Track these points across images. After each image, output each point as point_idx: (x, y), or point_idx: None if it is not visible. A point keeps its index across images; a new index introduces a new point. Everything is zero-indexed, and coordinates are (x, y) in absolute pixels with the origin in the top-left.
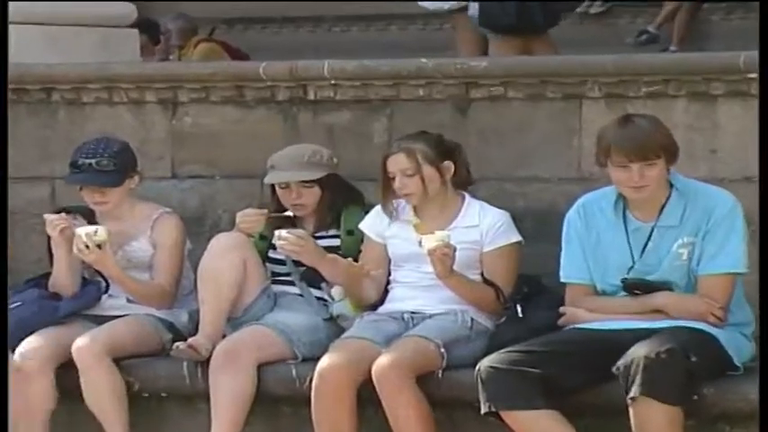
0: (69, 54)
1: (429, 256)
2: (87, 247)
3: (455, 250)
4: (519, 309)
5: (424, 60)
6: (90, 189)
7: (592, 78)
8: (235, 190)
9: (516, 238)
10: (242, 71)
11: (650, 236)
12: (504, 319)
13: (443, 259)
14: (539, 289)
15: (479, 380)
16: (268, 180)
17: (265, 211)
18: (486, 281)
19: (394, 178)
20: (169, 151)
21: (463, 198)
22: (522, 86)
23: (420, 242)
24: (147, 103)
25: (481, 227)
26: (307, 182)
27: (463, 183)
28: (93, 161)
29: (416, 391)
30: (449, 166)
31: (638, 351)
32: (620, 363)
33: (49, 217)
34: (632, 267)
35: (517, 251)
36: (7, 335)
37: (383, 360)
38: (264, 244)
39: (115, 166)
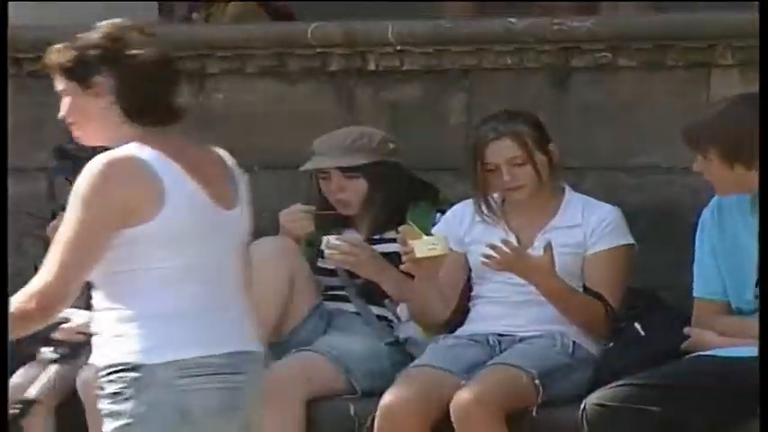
0: (70, 15)
1: (415, 266)
2: None
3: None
4: (638, 327)
5: (512, 20)
6: None
7: (723, 41)
8: (277, 184)
9: (628, 239)
10: (285, 35)
11: None
12: (612, 344)
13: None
14: (654, 305)
15: (584, 420)
16: (303, 167)
17: (313, 207)
18: (588, 291)
19: (493, 170)
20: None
21: (563, 191)
22: (636, 52)
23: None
24: None
25: (584, 226)
26: (349, 172)
27: (557, 175)
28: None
29: None
30: (554, 149)
31: None
32: None
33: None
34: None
35: (628, 256)
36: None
37: (465, 395)
38: (312, 251)
39: None
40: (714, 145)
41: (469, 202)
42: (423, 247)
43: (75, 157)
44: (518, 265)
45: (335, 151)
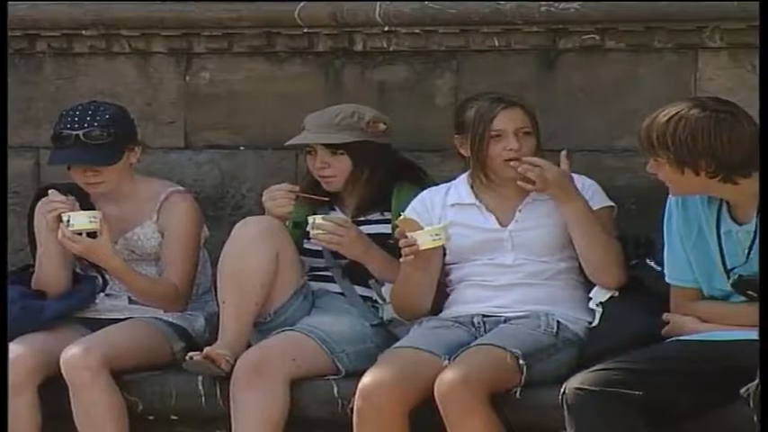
0: None
1: (416, 258)
2: (80, 234)
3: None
4: (654, 264)
5: (499, 2)
6: (80, 168)
7: (711, 24)
8: (263, 163)
9: (609, 202)
10: (273, 15)
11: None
12: (596, 323)
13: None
14: (637, 287)
15: (565, 404)
16: (289, 142)
17: (296, 188)
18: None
19: (495, 137)
20: (182, 115)
21: None
22: (624, 34)
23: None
24: (154, 54)
25: None
26: (334, 148)
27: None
28: (80, 132)
29: (491, 414)
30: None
31: None
32: (752, 384)
33: (53, 197)
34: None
35: (611, 216)
36: (7, 335)
37: (449, 375)
38: (299, 232)
39: (109, 137)
40: (665, 152)
41: (437, 188)
42: (427, 238)
43: (73, 145)
44: (553, 177)
45: (323, 128)
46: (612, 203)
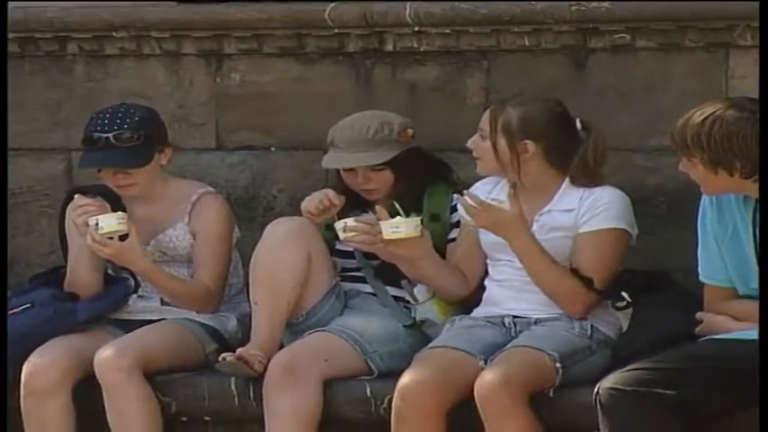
0: None
1: (387, 248)
2: (111, 238)
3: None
4: (626, 295)
5: (531, 1)
6: (110, 170)
7: (742, 22)
8: (294, 164)
9: (619, 224)
10: (303, 15)
11: None
12: (627, 328)
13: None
14: (668, 287)
15: (599, 404)
16: (325, 163)
17: (337, 200)
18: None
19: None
20: (213, 116)
21: (564, 178)
22: (654, 33)
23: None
24: (185, 55)
25: (579, 209)
26: (374, 165)
27: (588, 173)
28: (110, 135)
29: (530, 416)
30: (533, 149)
31: None
32: None
33: (79, 200)
34: None
35: (616, 240)
36: (7, 335)
37: (489, 376)
38: (331, 233)
39: (139, 138)
40: (699, 152)
41: (486, 181)
42: (387, 228)
43: (104, 147)
44: (487, 218)
45: (358, 146)
46: (624, 227)
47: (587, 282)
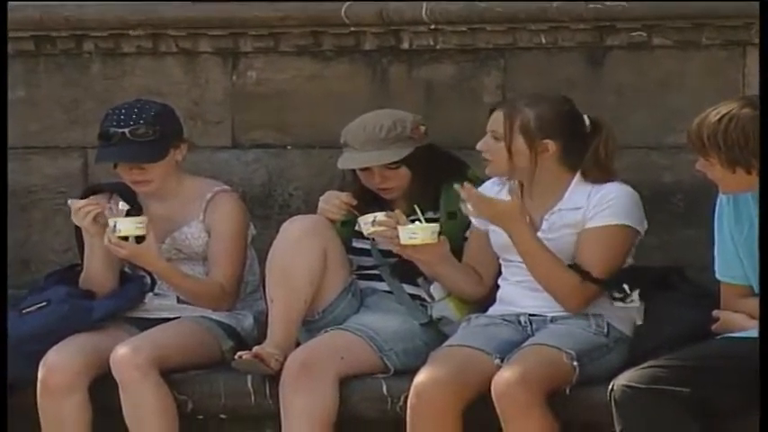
0: None
1: (405, 252)
2: (126, 238)
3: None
4: (627, 288)
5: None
6: (126, 166)
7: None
8: (310, 162)
9: (623, 220)
10: (319, 14)
11: None
12: (642, 324)
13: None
14: (683, 283)
15: (613, 402)
16: (341, 164)
17: (353, 201)
18: (574, 267)
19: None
20: (229, 114)
21: (574, 176)
22: (671, 31)
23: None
24: (201, 53)
25: (586, 207)
26: (393, 164)
27: (600, 168)
28: (126, 130)
29: (547, 414)
30: (552, 147)
31: None
32: None
33: (74, 203)
34: None
35: (620, 237)
36: (6, 336)
37: (506, 374)
38: (347, 231)
39: (155, 134)
40: (716, 151)
41: (495, 181)
42: (404, 234)
43: (120, 142)
44: (486, 209)
45: (372, 145)
46: (628, 223)
47: (585, 275)
